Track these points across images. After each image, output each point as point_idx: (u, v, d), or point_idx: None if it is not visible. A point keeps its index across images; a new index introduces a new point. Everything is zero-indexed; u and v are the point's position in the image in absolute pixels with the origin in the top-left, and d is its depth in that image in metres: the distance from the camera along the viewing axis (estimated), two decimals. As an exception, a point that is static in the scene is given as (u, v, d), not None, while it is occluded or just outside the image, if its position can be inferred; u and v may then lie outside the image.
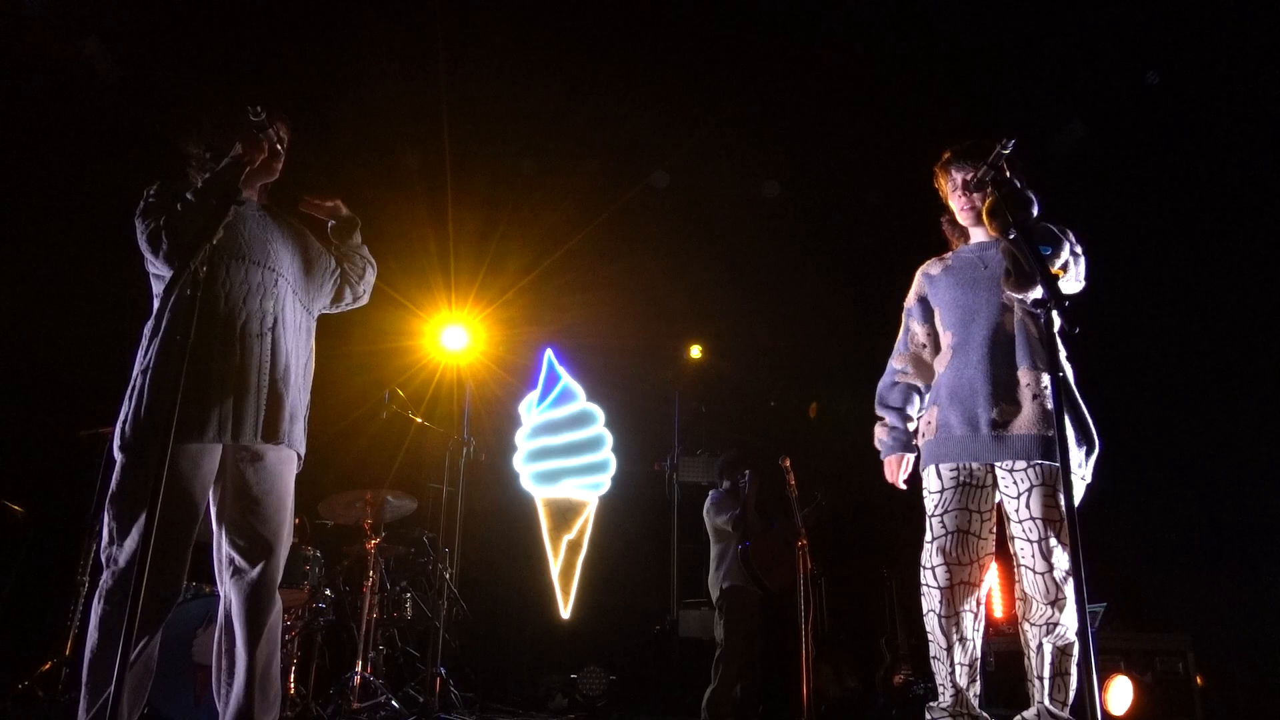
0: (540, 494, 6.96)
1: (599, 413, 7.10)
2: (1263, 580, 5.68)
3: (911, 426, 2.88)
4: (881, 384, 2.93)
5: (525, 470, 6.97)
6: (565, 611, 6.68)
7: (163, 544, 2.38)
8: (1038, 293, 2.38)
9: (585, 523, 6.94)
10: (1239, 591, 5.82)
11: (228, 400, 2.50)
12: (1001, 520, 2.67)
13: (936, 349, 2.82)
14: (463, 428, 5.42)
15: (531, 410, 7.12)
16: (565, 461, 6.98)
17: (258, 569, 2.54)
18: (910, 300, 2.91)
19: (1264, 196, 5.67)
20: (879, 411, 2.94)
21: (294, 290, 2.76)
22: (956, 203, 2.81)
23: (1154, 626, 5.47)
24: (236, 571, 2.54)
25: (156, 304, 2.62)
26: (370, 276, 3.03)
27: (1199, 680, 5.19)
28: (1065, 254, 2.50)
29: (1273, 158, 5.56)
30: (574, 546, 6.86)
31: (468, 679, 5.58)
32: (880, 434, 2.92)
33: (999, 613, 6.96)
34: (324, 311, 2.95)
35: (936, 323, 2.83)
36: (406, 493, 4.93)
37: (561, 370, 7.22)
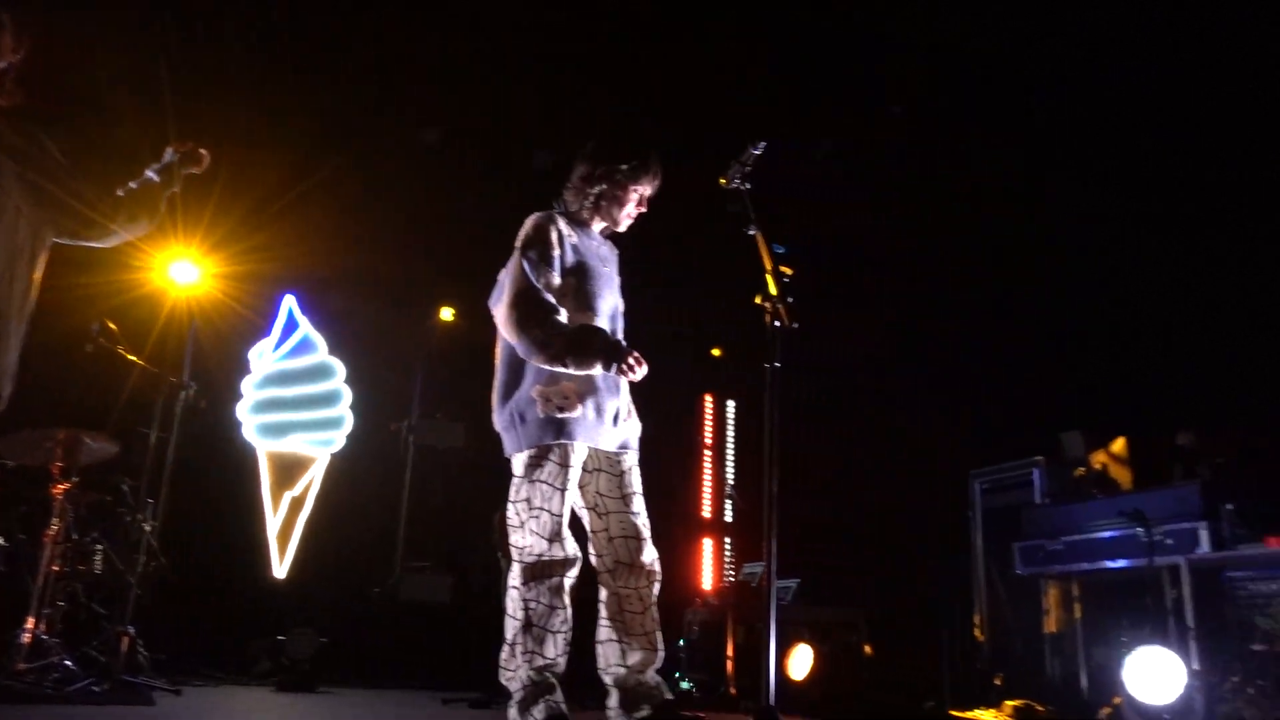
0: (265, 446, 6.60)
1: (339, 367, 6.83)
2: (924, 564, 6.53)
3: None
4: (546, 301, 2.55)
5: (250, 420, 6.57)
6: (280, 570, 6.39)
7: None
8: None
9: (311, 480, 6.66)
10: (905, 574, 6.67)
11: None
12: None
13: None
14: (183, 370, 5.01)
15: (264, 358, 6.71)
16: (296, 415, 6.66)
17: None
18: (555, 248, 2.64)
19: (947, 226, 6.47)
20: (558, 325, 2.53)
21: (19, 206, 2.45)
22: (626, 211, 2.80)
23: (834, 602, 6.14)
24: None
25: None
26: (140, 229, 2.81)
27: (868, 649, 5.90)
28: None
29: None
30: (297, 503, 6.57)
31: (161, 640, 5.20)
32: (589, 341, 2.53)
33: (707, 584, 7.50)
34: (60, 240, 2.66)
35: (572, 293, 2.65)
36: (109, 436, 4.49)
37: (302, 319, 6.87)
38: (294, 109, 6.11)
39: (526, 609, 2.50)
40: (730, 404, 8.29)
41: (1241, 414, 4.90)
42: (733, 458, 8.18)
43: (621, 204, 2.80)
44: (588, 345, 2.51)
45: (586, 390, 2.57)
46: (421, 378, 7.06)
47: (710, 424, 8.19)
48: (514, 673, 2.50)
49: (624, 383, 2.71)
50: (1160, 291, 5.29)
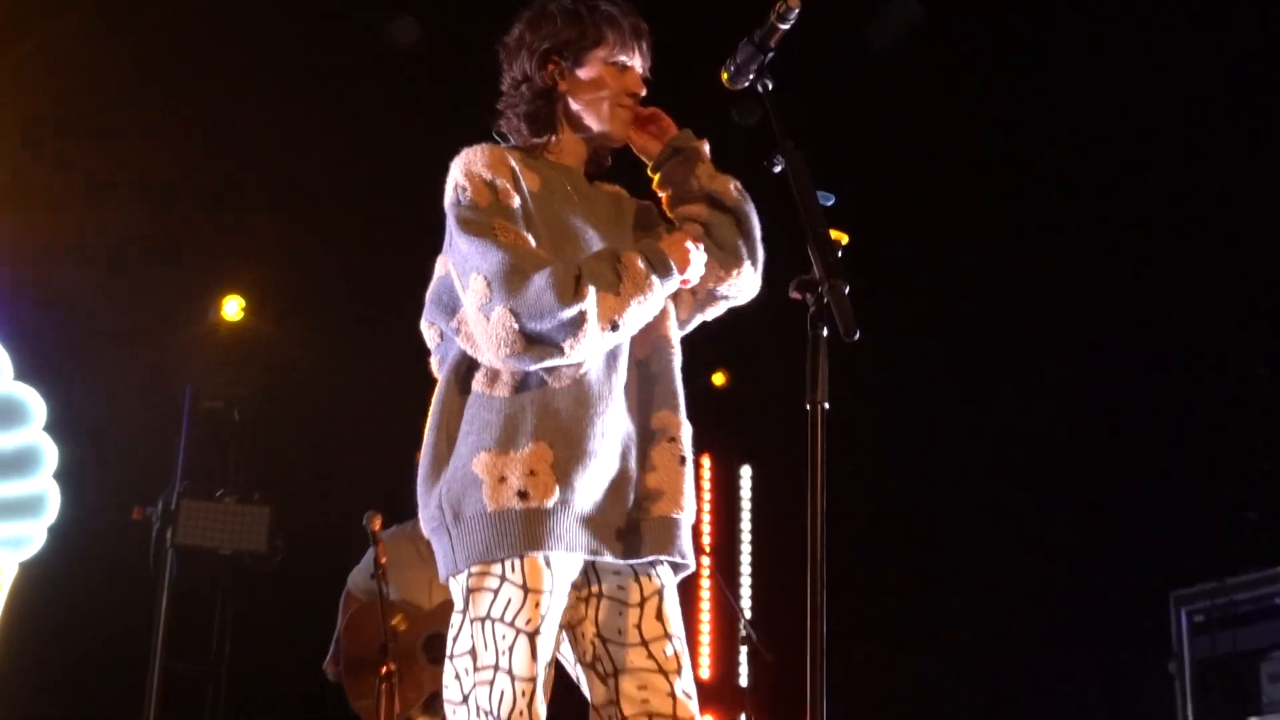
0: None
1: (36, 404, 4.47)
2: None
3: None
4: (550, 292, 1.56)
5: None
6: None
7: None
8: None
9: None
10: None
11: None
12: None
13: None
14: None
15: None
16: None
17: None
18: (510, 199, 1.61)
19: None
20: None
21: None
22: (609, 91, 1.74)
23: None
24: None
25: None
26: None
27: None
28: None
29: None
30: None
31: None
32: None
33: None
34: None
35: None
36: None
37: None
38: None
39: None
40: (745, 470, 6.14)
41: None
42: (749, 563, 5.91)
43: (615, 104, 1.84)
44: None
45: (548, 454, 1.65)
46: (188, 423, 4.71)
47: (710, 506, 5.87)
48: None
49: (663, 443, 1.73)
50: None
